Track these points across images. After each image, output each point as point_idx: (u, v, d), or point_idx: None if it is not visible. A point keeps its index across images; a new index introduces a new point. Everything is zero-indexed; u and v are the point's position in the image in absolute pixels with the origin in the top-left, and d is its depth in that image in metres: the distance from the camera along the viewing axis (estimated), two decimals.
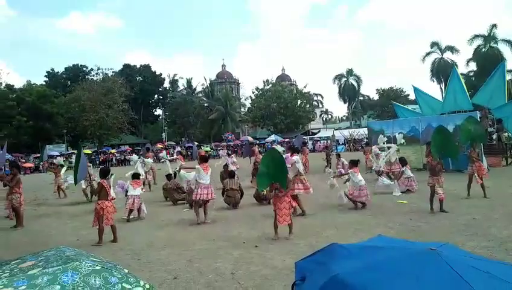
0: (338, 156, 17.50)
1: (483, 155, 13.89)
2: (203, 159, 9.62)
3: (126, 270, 2.21)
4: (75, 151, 11.95)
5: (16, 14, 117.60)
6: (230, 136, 57.07)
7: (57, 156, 39.96)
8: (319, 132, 60.16)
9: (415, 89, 22.66)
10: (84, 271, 1.95)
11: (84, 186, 13.85)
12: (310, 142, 44.51)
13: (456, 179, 11.90)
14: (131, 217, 10.12)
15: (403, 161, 11.91)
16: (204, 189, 9.13)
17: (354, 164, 10.21)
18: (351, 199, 9.83)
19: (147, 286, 2.11)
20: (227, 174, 12.13)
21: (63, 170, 16.48)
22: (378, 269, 1.87)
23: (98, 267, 2.02)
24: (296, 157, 9.62)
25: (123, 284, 2.00)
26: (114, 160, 43.52)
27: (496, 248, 6.04)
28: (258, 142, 44.91)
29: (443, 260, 1.79)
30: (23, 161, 40.48)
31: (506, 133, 17.97)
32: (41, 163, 40.20)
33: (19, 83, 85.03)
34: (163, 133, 61.84)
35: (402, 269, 1.83)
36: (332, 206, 10.25)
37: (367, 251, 2.12)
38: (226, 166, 14.57)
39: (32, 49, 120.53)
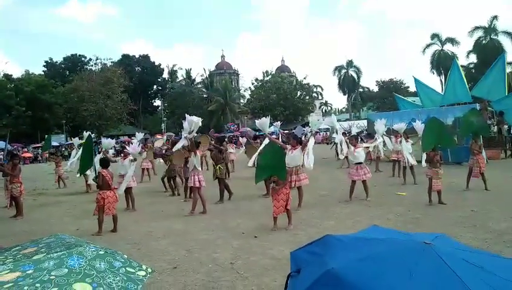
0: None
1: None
2: (197, 145, 9.58)
3: (126, 256, 2.24)
4: (83, 142, 11.73)
5: (14, 3, 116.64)
6: (232, 127, 56.92)
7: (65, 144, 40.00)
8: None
9: (416, 81, 22.61)
10: (89, 256, 1.99)
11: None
12: (309, 134, 44.30)
13: (455, 171, 11.94)
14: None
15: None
16: (201, 175, 9.21)
17: (354, 138, 10.27)
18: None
19: (149, 270, 2.15)
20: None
21: (73, 153, 15.84)
22: (371, 262, 1.88)
23: (101, 252, 2.06)
24: (311, 141, 9.50)
25: (127, 268, 2.03)
26: (113, 150, 43.48)
27: (494, 240, 6.09)
28: (257, 133, 44.87)
29: (436, 253, 1.81)
30: (25, 150, 40.46)
31: (506, 126, 17.97)
32: (41, 153, 40.26)
33: (17, 73, 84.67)
34: (163, 124, 61.77)
35: (395, 262, 1.84)
36: (331, 197, 10.29)
37: (361, 243, 2.13)
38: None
39: (31, 39, 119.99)
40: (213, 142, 11.90)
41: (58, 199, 13.18)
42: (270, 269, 5.34)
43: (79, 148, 14.81)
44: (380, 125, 12.24)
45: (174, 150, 10.85)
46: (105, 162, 8.39)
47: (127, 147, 11.06)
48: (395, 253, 1.90)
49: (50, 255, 1.93)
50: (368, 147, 12.78)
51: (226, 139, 20.14)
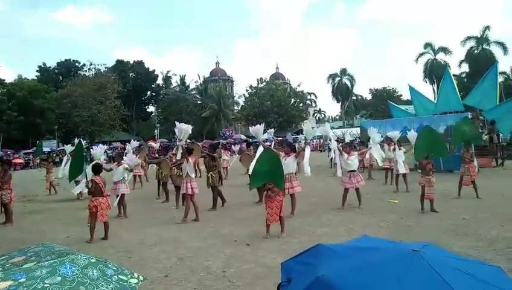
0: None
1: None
2: (190, 152, 9.55)
3: (116, 265, 2.22)
4: (75, 148, 11.64)
5: (8, 7, 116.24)
6: (227, 133, 56.81)
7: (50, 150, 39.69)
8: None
9: (411, 89, 22.76)
10: (82, 263, 1.98)
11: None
12: (303, 141, 44.52)
13: (446, 179, 11.99)
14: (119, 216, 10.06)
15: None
16: (194, 183, 9.18)
17: (348, 146, 10.40)
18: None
19: (141, 278, 2.15)
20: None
21: (64, 160, 15.67)
22: (361, 271, 1.89)
23: (93, 260, 2.07)
24: (307, 151, 9.55)
25: (119, 276, 2.04)
26: (105, 156, 43.23)
27: (485, 248, 6.11)
28: (250, 140, 44.90)
29: (425, 261, 1.82)
30: (17, 156, 40.04)
31: (497, 135, 18.14)
32: (31, 159, 39.90)
33: (10, 78, 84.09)
34: (156, 130, 61.57)
35: (385, 271, 1.85)
36: (324, 205, 10.28)
37: (352, 252, 2.14)
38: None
39: (25, 43, 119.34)
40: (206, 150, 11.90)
41: (49, 205, 13.03)
42: (262, 278, 5.31)
43: (70, 155, 14.75)
44: (375, 134, 12.23)
45: (178, 157, 10.86)
46: (97, 169, 8.32)
47: (124, 158, 10.94)
48: (385, 261, 1.91)
49: (41, 264, 1.91)
50: (364, 154, 12.83)
51: (220, 146, 20.12)
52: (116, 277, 2.02)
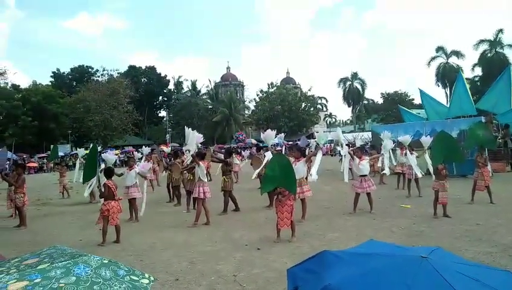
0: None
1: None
2: (201, 156, 9.59)
3: (128, 267, 2.26)
4: (89, 151, 11.79)
5: (24, 15, 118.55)
6: (240, 137, 56.90)
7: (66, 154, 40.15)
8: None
9: (422, 93, 22.59)
10: (94, 264, 2.02)
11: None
12: (313, 146, 44.54)
13: (460, 184, 11.84)
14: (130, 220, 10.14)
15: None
16: (206, 187, 9.22)
17: (360, 150, 10.45)
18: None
19: (152, 278, 2.19)
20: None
21: (77, 163, 15.92)
22: (368, 279, 1.87)
23: (105, 261, 2.11)
24: (319, 155, 9.49)
25: (131, 276, 2.07)
26: (117, 161, 43.62)
27: (499, 254, 6.01)
28: (260, 144, 44.94)
29: (433, 267, 1.80)
30: (32, 160, 40.65)
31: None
32: (45, 163, 40.45)
33: (25, 83, 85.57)
34: (167, 135, 61.98)
35: (392, 278, 1.84)
36: (335, 209, 10.23)
37: (358, 258, 2.12)
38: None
39: (39, 50, 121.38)
40: (218, 155, 11.97)
41: (62, 209, 13.18)
42: (272, 282, 5.30)
43: (83, 159, 14.91)
44: (388, 141, 12.12)
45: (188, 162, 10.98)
46: (109, 172, 8.42)
47: (135, 166, 10.97)
48: (392, 268, 1.89)
49: (55, 265, 1.95)
50: (375, 160, 12.79)
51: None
52: (128, 277, 2.05)
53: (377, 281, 1.84)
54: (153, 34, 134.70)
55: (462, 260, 2.30)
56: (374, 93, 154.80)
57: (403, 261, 1.95)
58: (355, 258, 2.14)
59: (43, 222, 10.95)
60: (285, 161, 7.53)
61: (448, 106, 22.11)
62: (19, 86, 53.02)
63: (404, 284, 1.77)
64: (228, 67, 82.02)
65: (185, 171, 11.43)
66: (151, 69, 69.14)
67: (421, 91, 22.70)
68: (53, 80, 63.47)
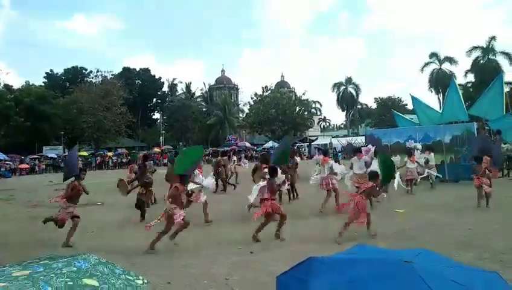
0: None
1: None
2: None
3: (123, 268, 2.35)
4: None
5: (17, 14, 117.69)
6: (233, 141, 57.02)
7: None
8: (317, 139, 60.23)
9: (413, 98, 22.75)
10: (93, 261, 2.15)
11: None
12: (307, 149, 44.88)
13: (453, 189, 11.92)
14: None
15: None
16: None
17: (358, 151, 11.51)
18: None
19: (145, 281, 2.27)
20: None
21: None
22: (352, 285, 1.89)
23: (103, 260, 2.23)
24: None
25: (126, 276, 2.17)
26: (111, 163, 43.47)
27: (492, 259, 6.05)
28: (255, 148, 45.00)
29: (416, 272, 1.82)
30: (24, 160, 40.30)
31: (506, 145, 18.03)
32: (37, 164, 40.15)
33: (17, 84, 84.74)
34: (161, 137, 61.79)
35: (376, 284, 1.85)
36: (329, 212, 10.24)
37: (343, 264, 2.15)
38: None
39: (32, 50, 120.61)
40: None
41: (52, 211, 13.02)
42: (265, 286, 5.27)
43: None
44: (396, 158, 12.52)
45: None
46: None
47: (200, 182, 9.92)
48: (376, 274, 1.92)
49: (56, 260, 2.08)
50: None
51: (230, 154, 20.07)
52: (124, 276, 2.15)
53: (360, 288, 1.87)
54: (148, 37, 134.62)
55: (449, 261, 2.31)
56: (367, 98, 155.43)
57: (387, 267, 1.96)
58: (340, 264, 2.16)
59: (35, 223, 10.79)
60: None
61: (440, 111, 22.27)
62: (11, 86, 52.56)
63: None
64: (223, 70, 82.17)
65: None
66: (146, 71, 68.95)
67: (412, 97, 22.88)
68: (46, 80, 63.02)
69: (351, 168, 11.45)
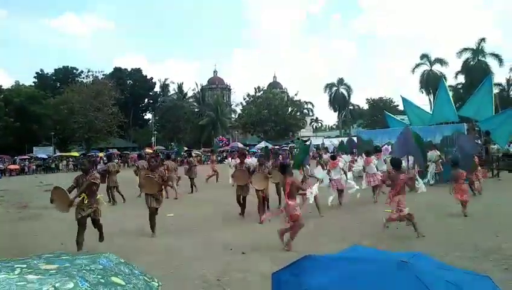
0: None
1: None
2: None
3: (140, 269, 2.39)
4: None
5: (6, 13, 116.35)
6: (221, 143, 56.89)
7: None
8: (309, 139, 60.38)
9: (403, 100, 22.93)
10: (115, 260, 2.19)
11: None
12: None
13: (440, 190, 11.99)
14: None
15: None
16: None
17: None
18: None
19: (160, 283, 2.32)
20: None
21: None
22: (348, 282, 1.89)
23: (122, 260, 2.26)
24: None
25: (144, 277, 2.22)
26: (102, 163, 43.14)
27: (481, 259, 6.10)
28: (248, 149, 44.95)
29: (412, 271, 1.83)
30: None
31: (496, 145, 18.20)
32: (27, 165, 39.72)
33: (7, 84, 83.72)
34: (153, 138, 61.49)
35: (372, 281, 1.85)
36: (322, 212, 10.24)
37: (339, 263, 2.15)
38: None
39: (22, 50, 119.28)
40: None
41: (43, 211, 12.91)
42: (256, 286, 5.28)
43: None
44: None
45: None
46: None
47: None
48: (372, 272, 1.92)
49: (77, 257, 2.11)
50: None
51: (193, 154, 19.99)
52: (142, 277, 2.20)
53: (356, 285, 1.86)
54: (140, 37, 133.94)
55: (443, 264, 2.33)
56: (359, 99, 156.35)
57: (383, 266, 1.97)
58: (336, 263, 2.16)
59: (24, 225, 10.72)
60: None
61: (430, 112, 22.46)
62: (0, 86, 51.94)
63: (383, 289, 1.79)
64: (215, 71, 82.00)
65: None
66: (137, 71, 68.54)
67: (403, 98, 23.09)
68: (36, 80, 62.35)
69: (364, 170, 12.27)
